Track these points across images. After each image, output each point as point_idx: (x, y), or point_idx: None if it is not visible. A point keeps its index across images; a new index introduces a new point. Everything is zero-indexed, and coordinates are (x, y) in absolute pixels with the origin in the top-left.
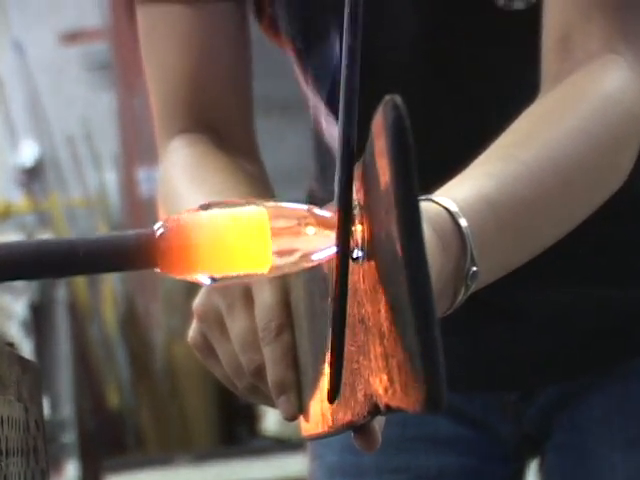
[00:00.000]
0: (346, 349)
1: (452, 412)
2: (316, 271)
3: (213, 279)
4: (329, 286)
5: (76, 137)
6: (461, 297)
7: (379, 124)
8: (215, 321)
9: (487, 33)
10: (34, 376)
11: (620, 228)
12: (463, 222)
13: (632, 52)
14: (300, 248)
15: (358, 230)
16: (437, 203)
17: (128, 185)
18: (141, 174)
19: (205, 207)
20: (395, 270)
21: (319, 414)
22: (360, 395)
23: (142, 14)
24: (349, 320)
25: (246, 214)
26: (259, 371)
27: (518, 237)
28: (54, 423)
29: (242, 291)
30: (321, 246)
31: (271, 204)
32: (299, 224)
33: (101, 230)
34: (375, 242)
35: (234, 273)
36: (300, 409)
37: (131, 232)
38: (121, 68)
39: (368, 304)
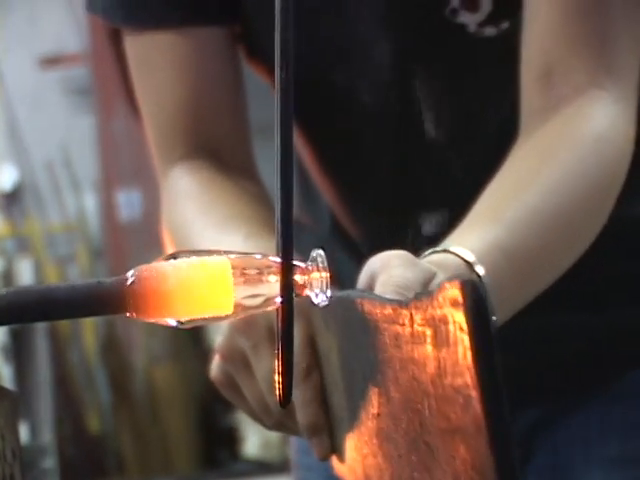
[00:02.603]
0: (400, 452)
1: None
2: (355, 317)
3: (180, 322)
4: (369, 335)
5: (55, 161)
6: None
7: (455, 300)
8: (241, 361)
9: (459, 59)
10: (11, 404)
11: (595, 254)
12: (481, 271)
13: (617, 87)
14: (263, 293)
15: (320, 277)
16: (454, 254)
17: (107, 209)
18: (120, 198)
19: (173, 257)
20: (478, 446)
21: (361, 470)
22: None
23: (131, 44)
24: (408, 432)
25: (210, 263)
26: (288, 410)
27: (528, 281)
28: (34, 448)
29: (267, 331)
30: (271, 294)
31: (237, 255)
32: (261, 273)
33: (81, 254)
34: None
35: (199, 316)
36: (333, 449)
37: (105, 280)
38: (100, 92)
39: (437, 439)
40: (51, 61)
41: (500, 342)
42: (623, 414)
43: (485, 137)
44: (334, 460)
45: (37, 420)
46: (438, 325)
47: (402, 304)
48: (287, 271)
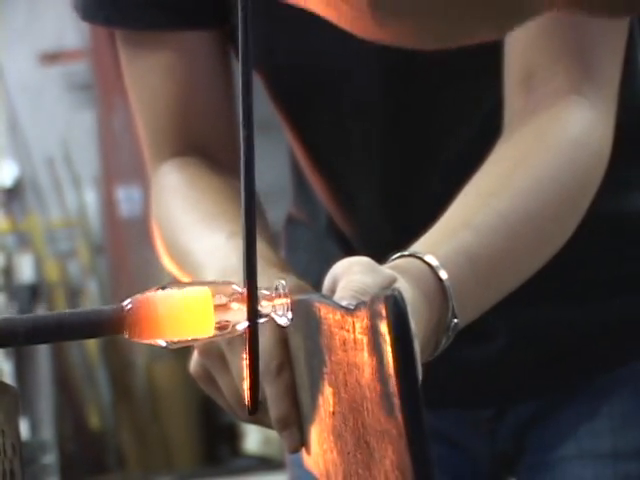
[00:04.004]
0: (349, 449)
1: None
2: (313, 320)
3: (168, 343)
4: (323, 338)
5: (56, 157)
6: (442, 346)
7: (381, 313)
8: (217, 356)
9: (444, 54)
10: (11, 399)
11: (588, 247)
12: (444, 275)
13: (596, 94)
14: (230, 320)
15: (283, 302)
16: (419, 258)
17: (108, 205)
18: (121, 194)
19: (162, 287)
20: (400, 449)
21: (322, 464)
22: None
23: (122, 43)
24: (354, 430)
25: (194, 293)
26: (261, 404)
27: (493, 285)
28: (35, 445)
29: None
30: (243, 319)
31: (209, 282)
32: (230, 300)
33: (81, 250)
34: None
35: (185, 338)
36: (302, 442)
37: (105, 307)
38: (101, 88)
39: (373, 439)
40: (51, 57)
41: (492, 337)
42: (612, 409)
43: (471, 133)
44: (303, 453)
45: (38, 416)
46: (371, 335)
47: (349, 311)
48: (252, 299)
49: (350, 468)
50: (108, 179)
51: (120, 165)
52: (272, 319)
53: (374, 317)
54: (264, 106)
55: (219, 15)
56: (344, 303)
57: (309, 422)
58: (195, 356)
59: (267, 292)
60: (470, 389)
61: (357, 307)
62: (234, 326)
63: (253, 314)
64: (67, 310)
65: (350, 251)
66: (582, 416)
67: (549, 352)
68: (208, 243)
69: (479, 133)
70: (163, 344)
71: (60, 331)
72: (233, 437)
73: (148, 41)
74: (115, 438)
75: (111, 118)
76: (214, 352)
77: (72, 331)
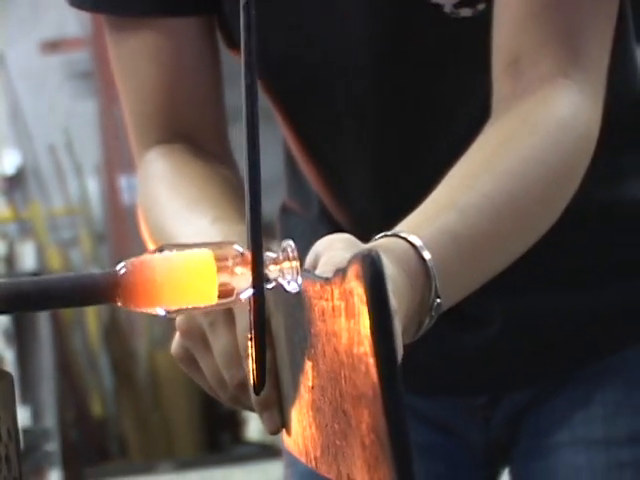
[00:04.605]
0: (327, 421)
1: (421, 418)
2: (292, 295)
3: (168, 312)
4: (304, 311)
5: (57, 145)
6: (425, 326)
7: (357, 274)
8: (198, 337)
9: (434, 40)
10: (7, 385)
11: (580, 234)
12: (427, 256)
13: (583, 77)
14: (235, 287)
15: (291, 266)
16: (403, 239)
17: (110, 193)
18: (123, 182)
19: (160, 250)
20: (376, 410)
21: (302, 442)
22: (344, 472)
23: (109, 30)
24: (332, 401)
25: (195, 256)
26: (242, 385)
27: (477, 266)
28: (37, 432)
29: (223, 310)
30: (247, 285)
31: (210, 244)
32: (234, 264)
33: (83, 238)
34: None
35: (185, 306)
36: (282, 424)
37: (96, 272)
38: (102, 76)
39: (350, 406)
40: (53, 46)
41: (487, 323)
42: (605, 397)
43: (465, 118)
44: (284, 434)
45: (40, 404)
46: (348, 298)
47: (327, 280)
48: (258, 263)
49: (328, 441)
50: (110, 167)
51: (122, 153)
52: (279, 285)
53: (351, 279)
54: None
55: (208, 2)
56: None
57: (289, 402)
58: (176, 337)
59: (274, 255)
60: (464, 376)
61: (336, 274)
62: (238, 293)
63: (259, 278)
64: (54, 275)
65: None
66: (575, 403)
67: (542, 339)
68: (193, 228)
69: (473, 120)
70: (162, 313)
71: (46, 298)
72: (234, 425)
73: (134, 26)
74: (117, 425)
75: (113, 106)
76: (195, 333)
77: (59, 298)
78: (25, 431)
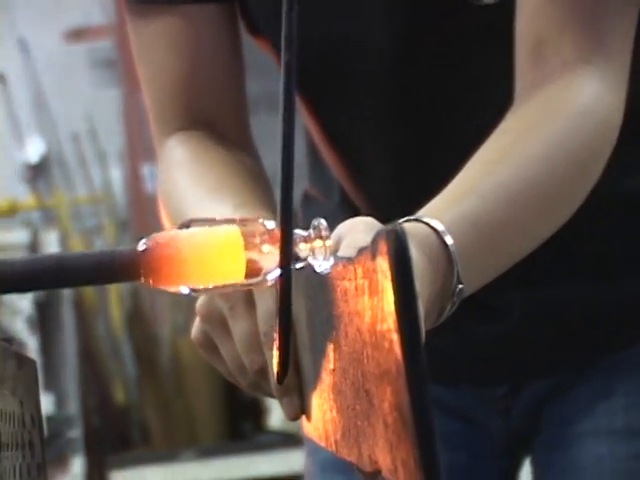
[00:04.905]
0: (348, 403)
1: (442, 408)
2: (314, 277)
3: (193, 290)
4: (326, 293)
5: (81, 134)
6: (447, 312)
7: (382, 250)
8: (218, 322)
9: (459, 27)
10: (30, 371)
11: (606, 222)
12: (449, 240)
13: (606, 64)
14: (263, 266)
15: (322, 245)
16: (425, 223)
17: (133, 181)
18: (146, 170)
19: (185, 225)
20: (398, 387)
21: (322, 427)
22: (365, 454)
23: (131, 17)
24: (353, 382)
25: (222, 232)
26: (261, 371)
27: (497, 252)
28: (60, 419)
29: (244, 294)
30: (275, 265)
31: (237, 221)
32: (261, 241)
33: (107, 226)
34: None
35: (211, 285)
36: (302, 410)
37: (119, 248)
38: (126, 65)
39: (373, 385)
40: (77, 34)
41: (507, 313)
42: (628, 386)
43: (488, 104)
44: (304, 420)
45: (63, 391)
46: (372, 275)
47: (350, 260)
48: (288, 240)
49: (349, 423)
50: (133, 155)
51: (145, 141)
52: (309, 265)
53: (375, 256)
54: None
55: None
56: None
57: (310, 387)
58: (196, 321)
59: (305, 232)
60: (485, 366)
61: (359, 253)
62: (266, 273)
63: (288, 257)
64: (75, 252)
65: None
66: (597, 393)
67: (564, 329)
68: (214, 215)
69: (495, 107)
70: (186, 291)
71: (66, 275)
72: (257, 413)
73: (155, 13)
74: (139, 413)
75: (136, 94)
76: (215, 317)
77: (78, 275)
78: (48, 418)
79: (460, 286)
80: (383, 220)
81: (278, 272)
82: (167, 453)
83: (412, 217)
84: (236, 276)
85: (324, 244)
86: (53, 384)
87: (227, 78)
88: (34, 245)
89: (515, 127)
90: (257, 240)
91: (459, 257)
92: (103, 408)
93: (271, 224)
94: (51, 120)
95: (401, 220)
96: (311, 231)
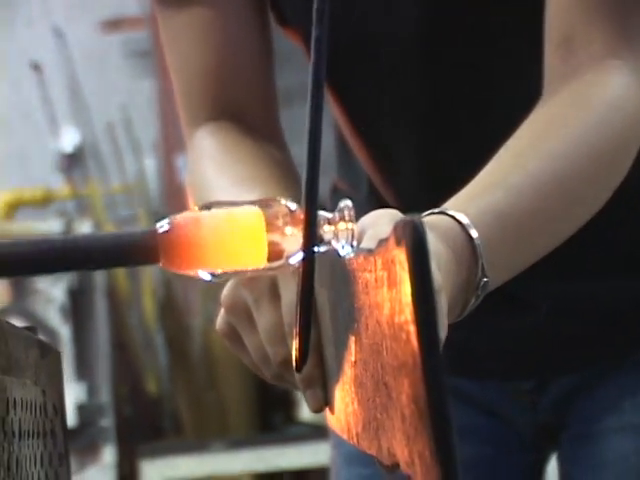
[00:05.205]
0: (369, 396)
1: (468, 401)
2: (338, 269)
3: (213, 275)
4: (348, 285)
5: (116, 124)
6: (471, 305)
7: (399, 241)
8: (243, 313)
9: (487, 20)
10: (54, 361)
11: (633, 219)
12: (474, 234)
13: (633, 57)
14: (286, 249)
15: (346, 227)
16: (450, 216)
17: (167, 171)
18: (180, 160)
19: (206, 207)
20: (415, 379)
21: (344, 419)
22: (384, 446)
23: (160, 8)
24: (373, 374)
25: (243, 214)
26: (285, 362)
27: (523, 246)
28: (92, 407)
29: (269, 285)
30: (297, 248)
31: (259, 202)
32: (284, 223)
33: (141, 216)
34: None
35: (233, 269)
36: (326, 402)
37: (137, 230)
38: (160, 56)
39: (391, 377)
40: (112, 24)
41: (535, 307)
42: None
43: (515, 97)
44: (327, 412)
45: (95, 380)
46: (391, 267)
47: (371, 252)
48: (311, 220)
49: (369, 415)
50: (167, 146)
51: (179, 132)
52: (333, 248)
53: (393, 247)
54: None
55: None
56: None
57: (333, 380)
58: (221, 312)
59: (329, 215)
60: (511, 360)
61: (379, 244)
62: (288, 257)
63: (312, 238)
64: (93, 233)
65: None
66: (624, 389)
67: (591, 324)
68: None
69: (523, 99)
70: (207, 277)
71: (83, 257)
72: (288, 405)
73: (182, 4)
74: (171, 403)
75: (171, 85)
76: (240, 308)
77: (94, 257)
78: (80, 407)
79: (485, 279)
80: (410, 212)
81: (301, 255)
82: (197, 443)
83: (437, 210)
84: (258, 259)
85: (347, 227)
86: (85, 373)
87: (256, 69)
88: (67, 234)
89: (543, 120)
90: (280, 222)
91: (484, 250)
92: (135, 397)
93: (294, 205)
94: (86, 110)
95: (425, 213)
96: (336, 213)
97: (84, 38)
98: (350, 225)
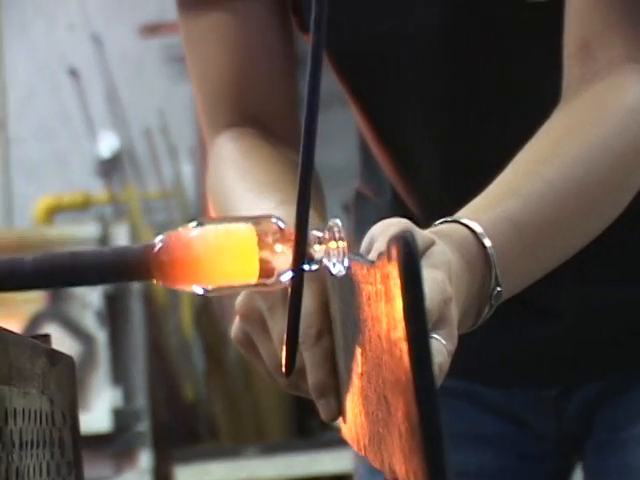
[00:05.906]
0: (373, 409)
1: (492, 408)
2: (347, 280)
3: (206, 290)
4: (355, 296)
5: (153, 129)
6: (485, 314)
7: (392, 256)
8: (258, 321)
9: (509, 23)
10: (65, 368)
11: None
12: (487, 242)
13: None
14: (277, 267)
15: (337, 246)
16: (463, 224)
17: (204, 177)
18: None
19: (200, 224)
20: (408, 396)
21: (354, 430)
22: (386, 461)
23: (181, 12)
24: (376, 388)
25: (236, 231)
26: (300, 371)
27: (539, 255)
28: (128, 412)
29: (283, 294)
30: (287, 266)
31: (249, 219)
32: (274, 241)
33: (177, 221)
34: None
35: (225, 284)
36: (339, 411)
37: (132, 246)
38: None
39: (390, 393)
40: (151, 29)
41: (559, 315)
42: None
43: (536, 102)
44: (340, 422)
45: (131, 384)
46: (387, 282)
47: (373, 264)
48: (301, 240)
49: (374, 429)
50: (205, 151)
51: None
52: (324, 267)
53: (388, 262)
54: (333, 82)
55: None
56: None
57: (344, 389)
58: (236, 320)
59: (319, 234)
60: (536, 368)
61: (379, 257)
62: (279, 274)
63: (301, 258)
64: (85, 248)
65: (414, 224)
66: None
67: (616, 332)
68: (257, 211)
69: (544, 104)
70: (200, 291)
71: (74, 273)
72: None
73: (205, 9)
74: (207, 408)
75: None
76: (255, 317)
77: (88, 274)
78: (116, 412)
79: (498, 289)
80: (433, 218)
81: (290, 274)
82: (233, 448)
83: (450, 218)
84: (249, 275)
85: (338, 246)
86: (122, 378)
87: (278, 75)
88: (105, 238)
89: (561, 125)
90: (270, 239)
91: (498, 259)
92: (171, 402)
93: (283, 224)
94: (124, 115)
95: (438, 221)
96: (326, 232)
97: (122, 43)
98: (341, 243)
